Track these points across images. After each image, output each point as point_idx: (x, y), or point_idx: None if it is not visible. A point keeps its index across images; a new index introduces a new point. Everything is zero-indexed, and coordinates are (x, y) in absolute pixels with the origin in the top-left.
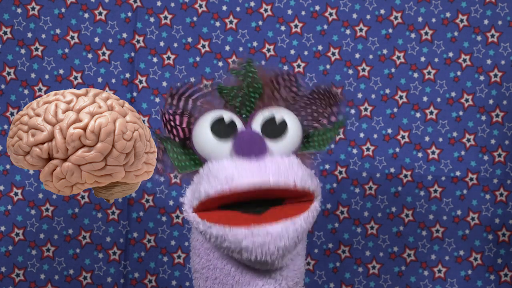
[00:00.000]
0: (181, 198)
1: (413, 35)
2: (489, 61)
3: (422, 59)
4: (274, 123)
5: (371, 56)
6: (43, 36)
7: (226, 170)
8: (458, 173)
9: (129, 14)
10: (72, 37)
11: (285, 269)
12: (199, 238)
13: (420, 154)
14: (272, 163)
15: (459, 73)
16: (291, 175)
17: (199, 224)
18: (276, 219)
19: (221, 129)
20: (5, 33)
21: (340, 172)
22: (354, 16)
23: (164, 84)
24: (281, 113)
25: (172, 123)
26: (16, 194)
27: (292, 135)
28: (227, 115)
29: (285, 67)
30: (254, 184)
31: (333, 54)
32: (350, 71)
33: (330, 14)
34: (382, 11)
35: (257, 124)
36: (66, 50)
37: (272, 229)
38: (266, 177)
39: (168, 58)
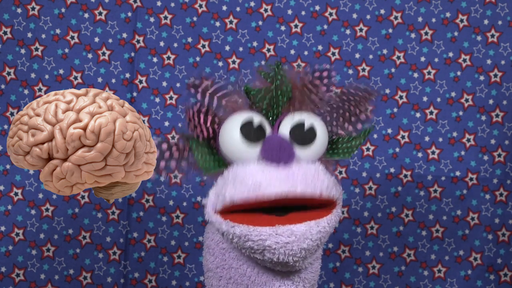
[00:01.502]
0: (203, 200)
1: (413, 35)
2: (489, 61)
3: (422, 59)
4: (303, 129)
5: (371, 56)
6: (43, 36)
7: (254, 177)
8: (458, 173)
9: (129, 14)
10: (72, 37)
11: (303, 271)
12: (215, 238)
13: (420, 154)
14: (299, 171)
15: (459, 73)
16: (318, 185)
17: (222, 224)
18: (300, 220)
19: (250, 132)
20: (5, 33)
21: (340, 172)
22: (354, 16)
23: (164, 84)
24: (310, 119)
25: (196, 121)
26: (16, 194)
27: (320, 142)
28: (257, 118)
29: (285, 67)
30: (281, 194)
31: (333, 54)
32: (350, 71)
33: (330, 14)
34: (382, 11)
35: (285, 129)
36: (66, 50)
37: (296, 229)
38: (294, 187)
39: (168, 58)
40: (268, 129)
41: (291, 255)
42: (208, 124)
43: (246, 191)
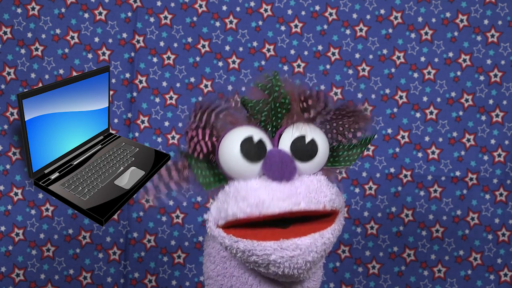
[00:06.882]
0: (204, 215)
1: (413, 35)
2: (489, 61)
3: (422, 59)
4: (304, 142)
5: (371, 56)
6: (43, 36)
7: (257, 194)
8: (458, 173)
9: (129, 14)
10: (72, 37)
11: (306, 280)
12: (215, 246)
13: (420, 154)
14: (302, 185)
15: (459, 73)
16: (321, 198)
17: (225, 238)
18: (304, 232)
19: (250, 150)
20: (5, 33)
21: (340, 172)
22: (354, 16)
23: (164, 84)
24: (311, 132)
25: (196, 139)
26: (16, 194)
27: (321, 155)
28: (256, 135)
29: (285, 67)
30: (285, 211)
31: (333, 54)
32: (350, 71)
33: (330, 14)
34: (382, 11)
35: (286, 143)
36: (66, 50)
37: (301, 242)
38: (297, 203)
39: (168, 58)
40: (268, 145)
41: (296, 268)
42: (207, 138)
43: (249, 209)
